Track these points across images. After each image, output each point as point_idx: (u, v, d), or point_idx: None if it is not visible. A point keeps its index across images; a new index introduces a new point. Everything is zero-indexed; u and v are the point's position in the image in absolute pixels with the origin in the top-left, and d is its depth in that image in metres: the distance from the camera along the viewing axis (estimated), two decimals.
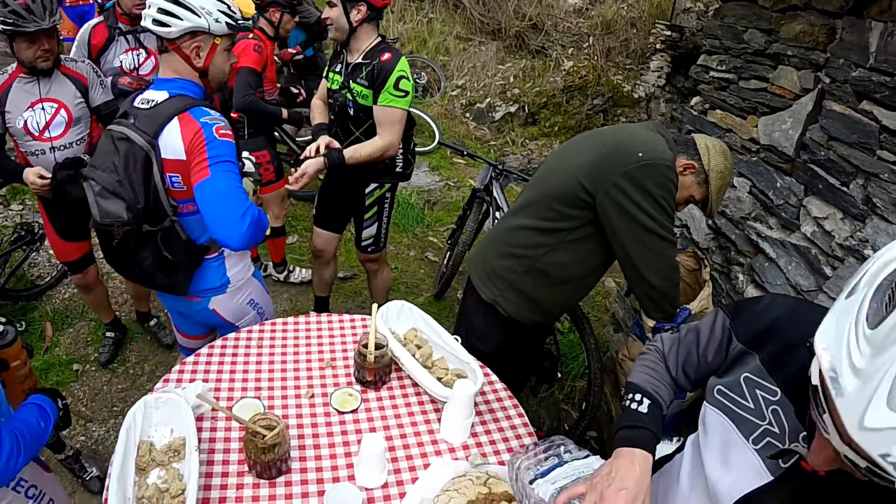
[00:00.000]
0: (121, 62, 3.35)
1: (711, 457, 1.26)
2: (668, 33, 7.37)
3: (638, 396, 1.40)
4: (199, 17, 1.91)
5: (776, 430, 1.15)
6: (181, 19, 1.90)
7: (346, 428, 1.81)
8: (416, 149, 6.75)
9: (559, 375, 3.11)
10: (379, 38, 2.86)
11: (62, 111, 2.80)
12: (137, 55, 3.43)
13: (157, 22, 1.90)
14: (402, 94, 2.79)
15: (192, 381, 1.91)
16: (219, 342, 2.12)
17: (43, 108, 2.77)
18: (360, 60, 2.83)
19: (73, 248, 3.18)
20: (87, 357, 3.60)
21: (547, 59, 8.36)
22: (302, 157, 2.81)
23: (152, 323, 3.77)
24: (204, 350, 2.08)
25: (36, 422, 1.60)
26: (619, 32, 8.47)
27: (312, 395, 1.92)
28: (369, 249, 3.34)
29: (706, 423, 1.31)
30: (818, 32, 2.31)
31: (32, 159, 2.83)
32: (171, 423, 1.70)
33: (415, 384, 1.96)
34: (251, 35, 3.65)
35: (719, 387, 1.28)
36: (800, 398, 1.13)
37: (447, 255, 4.20)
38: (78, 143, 2.91)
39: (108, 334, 3.63)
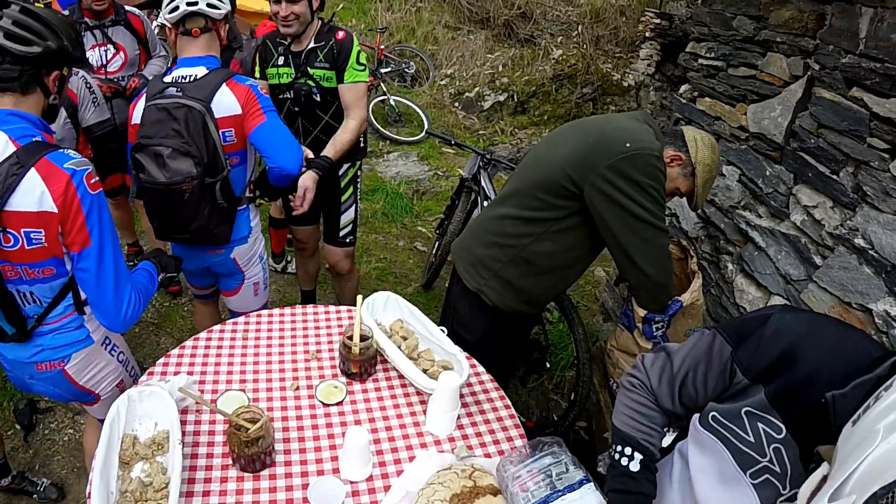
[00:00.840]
0: (88, 58, 3.30)
1: (703, 479, 1.21)
2: (658, 21, 7.33)
3: (628, 450, 1.32)
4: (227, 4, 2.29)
5: (777, 469, 1.08)
6: (225, 4, 2.26)
7: (332, 420, 1.80)
8: (406, 138, 6.76)
9: (548, 365, 3.10)
10: (319, 20, 2.83)
11: None
12: (105, 51, 3.37)
13: (210, 5, 2.19)
14: (363, 67, 2.79)
15: (176, 373, 1.90)
16: (203, 334, 2.11)
17: None
18: (312, 45, 2.79)
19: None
20: None
21: (536, 47, 8.33)
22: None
23: None
24: (189, 342, 2.06)
25: (147, 281, 1.90)
26: (608, 21, 8.44)
27: (297, 388, 1.91)
28: (348, 240, 3.22)
29: (700, 442, 1.23)
30: (807, 19, 2.29)
31: None
32: (156, 416, 1.68)
33: (400, 376, 1.94)
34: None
35: (715, 414, 1.19)
36: (806, 440, 1.05)
37: (436, 245, 4.18)
38: None
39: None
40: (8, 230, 1.58)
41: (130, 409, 1.65)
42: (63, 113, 2.64)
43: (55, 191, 1.56)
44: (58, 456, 2.90)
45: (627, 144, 1.89)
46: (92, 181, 1.64)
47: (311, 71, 2.79)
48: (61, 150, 1.62)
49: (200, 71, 2.20)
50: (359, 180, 3.19)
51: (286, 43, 2.82)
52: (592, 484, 1.42)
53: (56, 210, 1.57)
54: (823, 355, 1.02)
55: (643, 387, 1.37)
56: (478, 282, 2.25)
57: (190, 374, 1.90)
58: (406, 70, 8.17)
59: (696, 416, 1.25)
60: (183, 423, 1.69)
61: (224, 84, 2.17)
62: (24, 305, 1.72)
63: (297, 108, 2.89)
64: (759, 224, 2.42)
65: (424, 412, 1.82)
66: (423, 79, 8.32)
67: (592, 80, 7.58)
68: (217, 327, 2.15)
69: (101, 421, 1.84)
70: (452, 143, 3.99)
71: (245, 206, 2.43)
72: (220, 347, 2.06)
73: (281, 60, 2.85)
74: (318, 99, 2.85)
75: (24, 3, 1.62)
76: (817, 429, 1.01)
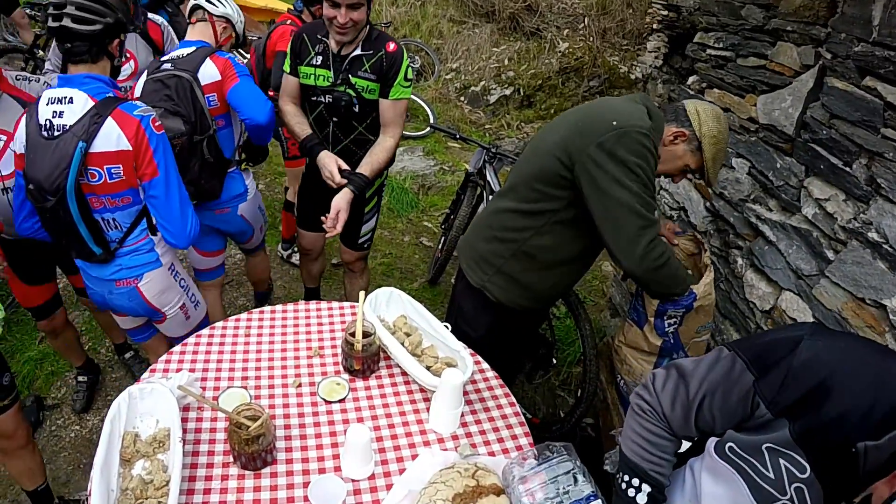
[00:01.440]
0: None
1: None
2: (665, 13, 7.21)
3: (635, 481, 1.25)
4: (232, 11, 2.77)
5: None
6: (223, 6, 2.72)
7: (334, 418, 1.78)
8: (411, 133, 6.73)
9: (554, 362, 3.07)
10: (368, 25, 2.61)
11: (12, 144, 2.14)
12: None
13: (209, 1, 2.68)
14: (409, 83, 2.65)
15: (178, 370, 1.88)
16: (206, 331, 2.10)
17: None
18: (358, 52, 2.57)
19: (37, 292, 2.76)
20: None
21: (542, 40, 8.26)
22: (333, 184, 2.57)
23: (128, 356, 3.39)
24: (191, 339, 2.05)
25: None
26: (615, 13, 8.35)
27: (300, 385, 1.89)
28: (366, 245, 3.15)
29: (715, 470, 1.16)
30: (818, 6, 2.23)
31: None
32: (157, 413, 1.67)
33: (404, 373, 1.92)
34: (289, 22, 3.68)
35: (733, 445, 1.11)
36: (832, 482, 0.98)
37: (441, 241, 4.15)
38: None
39: (80, 379, 3.18)
40: (94, 168, 1.99)
41: (132, 406, 1.64)
42: None
43: (129, 133, 1.97)
44: (64, 452, 2.90)
45: (614, 122, 1.82)
46: (156, 124, 2.07)
47: (353, 80, 2.60)
48: (130, 101, 2.05)
49: (190, 49, 2.60)
50: (383, 191, 3.11)
51: (326, 41, 2.61)
52: (600, 501, 1.38)
53: (130, 148, 1.99)
54: (858, 394, 0.93)
55: (654, 413, 1.27)
56: (481, 278, 2.21)
57: (192, 371, 1.89)
58: (411, 65, 8.12)
59: (713, 441, 1.18)
60: (184, 420, 1.68)
61: (208, 58, 2.55)
62: (107, 231, 2.15)
63: (331, 115, 2.70)
64: (769, 218, 2.37)
65: (428, 410, 1.79)
66: (429, 73, 8.28)
67: (599, 73, 7.52)
68: (219, 324, 2.13)
69: (169, 339, 2.52)
70: (458, 137, 3.96)
71: (234, 167, 2.81)
72: (221, 344, 2.04)
73: (318, 60, 2.64)
74: (357, 110, 2.66)
75: None
76: (845, 472, 0.95)
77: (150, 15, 3.32)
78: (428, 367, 1.85)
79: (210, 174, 2.64)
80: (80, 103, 1.95)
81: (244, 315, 2.19)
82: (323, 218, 2.47)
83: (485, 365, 2.05)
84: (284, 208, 4.33)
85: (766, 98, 2.46)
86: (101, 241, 2.13)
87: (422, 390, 1.87)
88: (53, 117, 1.94)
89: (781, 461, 1.02)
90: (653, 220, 1.85)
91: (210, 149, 2.58)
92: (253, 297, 3.98)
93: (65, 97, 1.96)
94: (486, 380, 1.99)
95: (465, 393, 1.83)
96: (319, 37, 2.63)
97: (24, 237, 2.28)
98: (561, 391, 3.38)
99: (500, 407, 1.87)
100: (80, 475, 2.79)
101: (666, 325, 2.27)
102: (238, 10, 2.85)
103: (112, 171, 2.00)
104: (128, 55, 3.13)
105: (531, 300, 2.24)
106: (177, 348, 2.00)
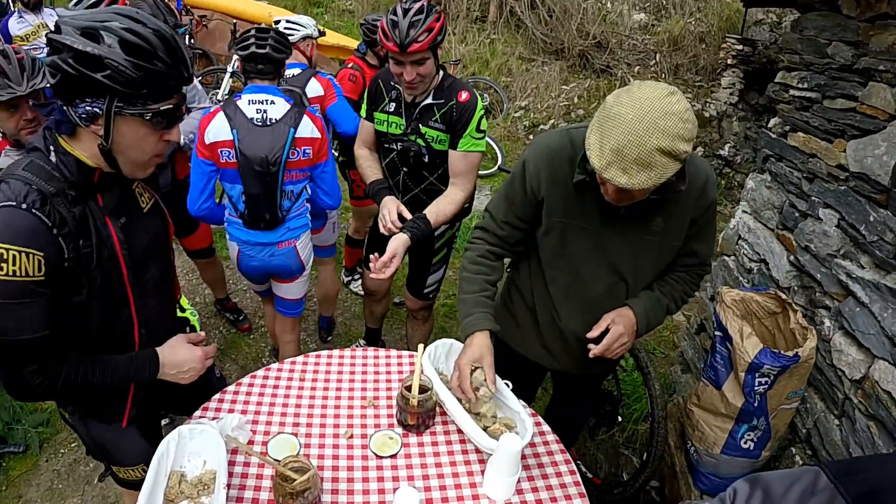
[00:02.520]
0: None
1: None
2: (740, 47, 7.06)
3: None
4: (307, 29, 3.58)
5: None
6: (298, 30, 3.54)
7: (384, 474, 1.70)
8: (479, 172, 6.70)
9: (619, 419, 2.91)
10: (440, 71, 2.54)
11: None
12: None
13: (288, 30, 3.47)
14: (481, 135, 2.54)
15: (230, 411, 1.87)
16: (261, 372, 2.07)
17: None
18: (430, 101, 2.50)
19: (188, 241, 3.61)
20: None
21: (612, 78, 8.16)
22: (384, 228, 2.49)
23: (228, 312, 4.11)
24: (245, 380, 2.03)
25: None
26: (687, 48, 8.19)
27: (351, 436, 1.83)
28: (431, 296, 3.04)
29: None
30: None
31: None
32: (205, 454, 1.64)
33: (460, 431, 1.83)
34: (351, 65, 3.79)
35: None
36: None
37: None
38: None
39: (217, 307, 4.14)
40: (296, 148, 2.62)
41: (180, 445, 1.63)
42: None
43: (318, 126, 2.67)
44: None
45: None
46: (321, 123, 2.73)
47: (422, 129, 2.54)
48: (308, 106, 3.00)
49: (297, 72, 3.38)
50: (455, 242, 3.02)
51: (399, 88, 2.56)
52: None
53: (319, 136, 2.67)
54: None
55: None
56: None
57: (244, 412, 1.87)
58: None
59: None
60: (231, 463, 1.66)
61: (313, 77, 3.35)
62: (281, 201, 2.70)
63: (401, 163, 2.68)
64: (861, 276, 2.17)
65: (483, 473, 1.69)
66: (497, 111, 8.29)
67: None
68: (275, 366, 2.11)
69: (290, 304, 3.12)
70: None
71: None
72: (276, 387, 2.01)
73: (392, 107, 2.61)
74: (426, 160, 2.61)
75: (276, 28, 3.04)
76: None
77: None
78: (485, 428, 1.76)
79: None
80: (280, 104, 2.62)
81: (300, 358, 2.16)
82: (372, 257, 2.33)
83: (546, 426, 1.94)
84: (347, 243, 4.50)
85: (856, 144, 2.28)
86: (276, 209, 2.70)
87: (478, 451, 1.77)
88: (259, 113, 2.59)
89: None
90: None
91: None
92: (316, 334, 4.00)
93: (266, 100, 2.61)
94: (546, 443, 1.87)
95: (523, 456, 1.72)
96: (393, 83, 2.59)
97: (196, 216, 2.80)
98: (625, 449, 3.19)
99: (559, 474, 1.74)
100: None
101: (756, 384, 2.11)
102: (310, 21, 3.62)
103: (306, 151, 2.65)
104: None
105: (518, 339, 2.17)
106: (231, 388, 1.98)
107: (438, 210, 2.52)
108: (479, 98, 2.55)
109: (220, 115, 2.57)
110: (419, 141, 2.57)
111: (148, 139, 1.40)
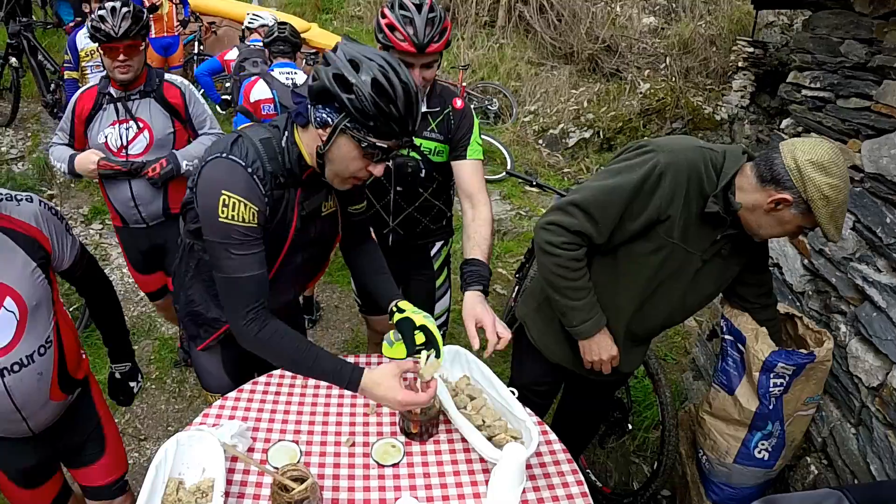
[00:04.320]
0: (105, 137, 2.77)
1: None
2: (751, 50, 7.01)
3: None
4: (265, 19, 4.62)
5: None
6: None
7: (385, 483, 1.66)
8: (488, 176, 6.68)
9: (630, 427, 2.85)
10: None
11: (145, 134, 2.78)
12: (126, 129, 2.76)
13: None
14: (480, 142, 2.33)
15: (231, 418, 1.84)
16: (263, 378, 2.04)
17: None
18: (425, 108, 2.25)
19: (152, 280, 3.20)
20: (148, 374, 3.65)
21: (622, 81, 8.11)
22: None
23: None
24: (247, 386, 2.00)
25: None
26: (697, 51, 8.15)
27: (353, 444, 1.79)
28: (442, 330, 2.67)
29: None
30: None
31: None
32: (204, 461, 1.62)
33: (464, 439, 1.78)
34: None
35: None
36: None
37: (515, 289, 4.01)
38: None
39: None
40: None
41: (179, 453, 1.61)
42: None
43: None
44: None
45: None
46: None
47: (417, 141, 2.25)
48: None
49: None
50: (451, 259, 2.77)
51: None
52: None
53: None
54: None
55: None
56: (522, 310, 2.11)
57: (244, 419, 1.84)
58: (489, 107, 8.13)
59: None
60: (231, 471, 1.64)
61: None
62: None
63: (393, 183, 2.36)
64: (877, 280, 2.11)
65: (486, 482, 1.64)
66: (507, 115, 8.26)
67: (682, 115, 7.30)
68: (277, 372, 2.07)
69: None
70: (534, 183, 3.85)
71: None
72: (277, 394, 1.98)
73: None
74: (423, 175, 2.35)
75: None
76: None
77: (167, 76, 2.89)
78: (490, 438, 1.71)
79: None
80: (301, 76, 3.63)
81: None
82: (475, 335, 1.89)
83: (552, 435, 1.89)
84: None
85: (871, 143, 2.23)
86: None
87: (482, 460, 1.73)
88: (288, 80, 3.58)
89: None
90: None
91: None
92: (320, 341, 3.98)
93: (291, 72, 3.69)
94: (552, 452, 1.81)
95: (529, 465, 1.67)
96: None
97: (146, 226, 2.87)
98: (636, 458, 3.13)
99: (565, 485, 1.69)
100: None
101: (771, 385, 2.06)
102: (270, 14, 4.44)
103: None
104: (140, 124, 2.78)
105: (563, 351, 2.11)
106: (232, 394, 1.96)
107: (480, 241, 2.16)
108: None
109: (261, 81, 3.54)
110: (414, 155, 2.30)
111: (355, 161, 1.55)
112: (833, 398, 2.34)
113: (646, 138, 1.85)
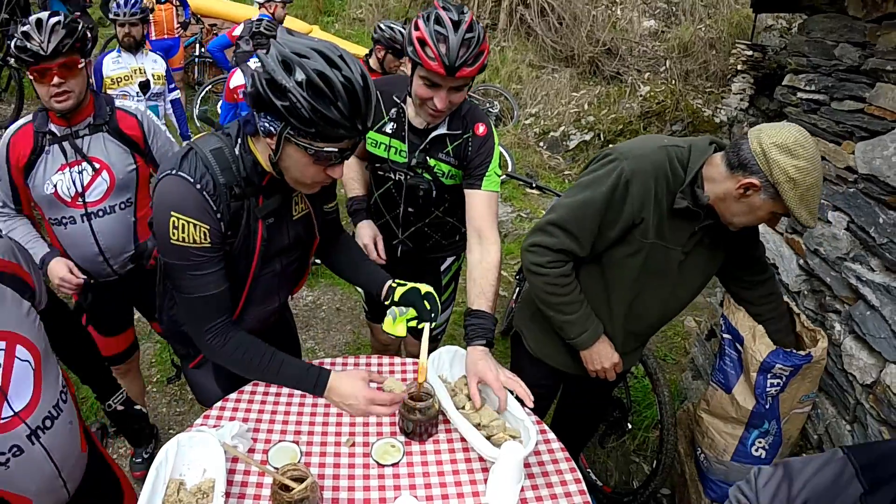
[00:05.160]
0: (54, 186, 2.23)
1: None
2: (750, 53, 7.03)
3: None
4: None
5: None
6: None
7: (385, 483, 1.68)
8: None
9: (629, 426, 2.87)
10: None
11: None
12: (80, 173, 2.24)
13: None
14: (500, 172, 2.20)
15: (231, 419, 1.85)
16: None
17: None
18: (444, 130, 2.12)
19: (115, 342, 2.66)
20: (149, 378, 3.65)
21: (622, 84, 8.14)
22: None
23: None
24: (247, 388, 2.01)
25: None
26: (697, 55, 8.17)
27: (353, 444, 1.80)
28: (439, 338, 2.70)
29: None
30: None
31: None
32: (205, 462, 1.63)
33: (463, 439, 1.80)
34: None
35: None
36: None
37: (516, 291, 4.03)
38: None
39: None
40: None
41: (180, 454, 1.61)
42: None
43: None
44: None
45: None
46: None
47: (431, 161, 2.16)
48: None
49: None
50: (460, 276, 2.69)
51: (403, 106, 2.15)
52: None
53: None
54: None
55: None
56: (519, 319, 2.13)
57: (245, 420, 1.85)
58: (490, 110, 8.17)
59: None
60: (231, 471, 1.64)
61: None
62: None
63: (404, 198, 2.28)
64: (871, 279, 2.13)
65: (485, 481, 1.67)
66: (508, 118, 8.28)
67: (682, 117, 7.31)
68: None
69: None
70: (534, 186, 3.87)
71: None
72: (278, 395, 1.99)
73: (390, 128, 2.18)
74: (434, 195, 2.25)
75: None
76: None
77: (119, 104, 2.39)
78: (489, 437, 1.73)
79: None
80: None
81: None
82: (476, 394, 1.81)
83: (551, 434, 1.91)
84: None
85: (865, 145, 2.25)
86: None
87: (481, 459, 1.74)
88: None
89: None
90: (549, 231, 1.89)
91: None
92: (322, 343, 3.99)
93: None
94: (550, 451, 1.83)
95: (527, 465, 1.69)
96: (395, 98, 2.16)
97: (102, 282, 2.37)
98: (636, 457, 3.15)
99: (564, 483, 1.71)
100: None
101: (768, 385, 2.08)
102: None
103: None
104: (96, 165, 2.27)
105: (563, 357, 2.12)
106: (233, 395, 1.97)
107: (485, 289, 1.99)
108: (496, 133, 2.20)
109: (239, 71, 4.42)
110: (426, 176, 2.20)
111: (309, 168, 1.48)
112: (828, 395, 2.36)
113: (611, 146, 1.86)
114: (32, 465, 1.34)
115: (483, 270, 2.02)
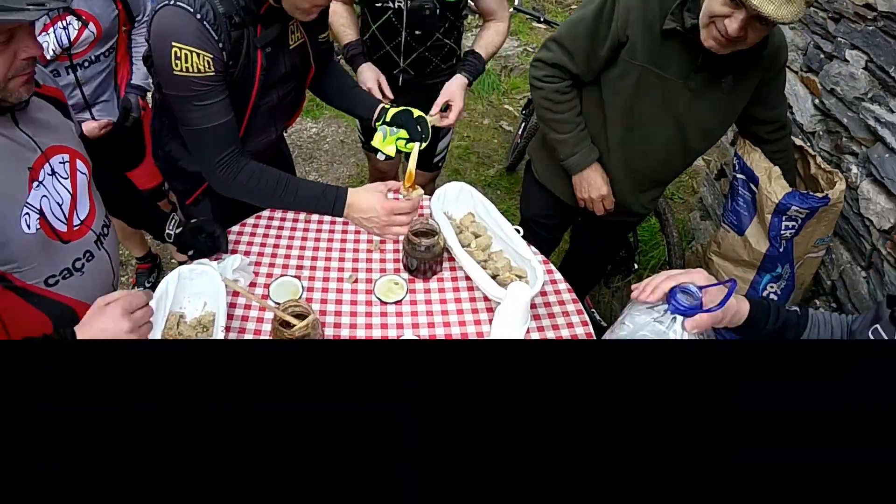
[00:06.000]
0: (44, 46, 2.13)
1: None
2: None
3: None
4: None
5: None
6: None
7: (387, 321, 1.66)
8: None
9: (636, 266, 2.84)
10: None
11: None
12: (65, 28, 2.14)
13: None
14: None
15: (233, 251, 1.81)
16: (266, 212, 2.00)
17: None
18: None
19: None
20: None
21: None
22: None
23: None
24: (250, 220, 1.96)
25: None
26: None
27: (356, 280, 1.78)
28: (440, 165, 2.78)
29: None
30: None
31: None
32: (205, 295, 1.60)
33: (468, 277, 1.76)
34: None
35: None
36: None
37: (522, 126, 3.87)
38: None
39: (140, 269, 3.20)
40: None
41: (180, 286, 1.58)
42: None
43: None
44: None
45: None
46: None
47: None
48: None
49: None
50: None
51: None
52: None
53: None
54: None
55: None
56: (531, 147, 2.15)
57: (246, 254, 1.82)
58: None
59: None
60: (232, 306, 1.62)
61: None
62: None
63: (406, 24, 2.23)
64: (890, 120, 1.98)
65: (490, 322, 1.64)
66: None
67: None
68: None
69: None
70: (542, 20, 3.62)
71: None
72: (280, 228, 1.94)
73: None
74: (438, 14, 2.21)
75: None
76: None
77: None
78: (494, 276, 1.69)
79: None
80: None
81: None
82: (436, 115, 2.10)
83: (558, 275, 1.87)
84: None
85: None
86: None
87: (486, 298, 1.71)
88: None
89: None
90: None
91: None
92: (325, 175, 3.90)
93: None
94: (557, 292, 1.80)
95: (533, 305, 1.66)
96: None
97: None
98: None
99: (570, 325, 1.69)
100: None
101: (782, 227, 2.03)
102: None
103: None
104: (83, 18, 2.16)
105: (564, 186, 2.11)
106: (235, 228, 1.92)
107: (487, 44, 2.29)
108: None
109: None
110: None
111: None
112: (843, 241, 2.30)
113: None
114: (101, 269, 1.51)
115: (490, 32, 2.31)
